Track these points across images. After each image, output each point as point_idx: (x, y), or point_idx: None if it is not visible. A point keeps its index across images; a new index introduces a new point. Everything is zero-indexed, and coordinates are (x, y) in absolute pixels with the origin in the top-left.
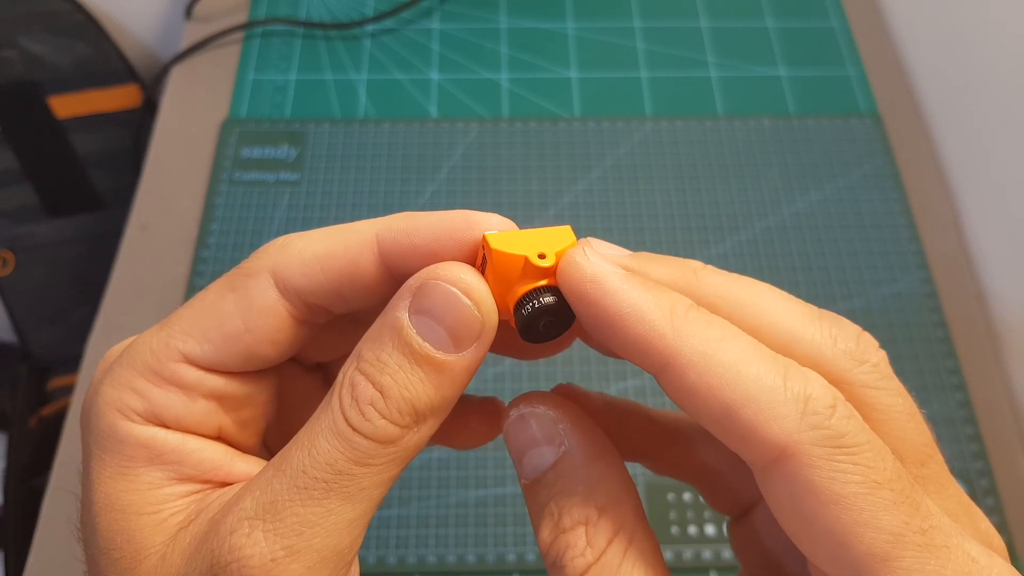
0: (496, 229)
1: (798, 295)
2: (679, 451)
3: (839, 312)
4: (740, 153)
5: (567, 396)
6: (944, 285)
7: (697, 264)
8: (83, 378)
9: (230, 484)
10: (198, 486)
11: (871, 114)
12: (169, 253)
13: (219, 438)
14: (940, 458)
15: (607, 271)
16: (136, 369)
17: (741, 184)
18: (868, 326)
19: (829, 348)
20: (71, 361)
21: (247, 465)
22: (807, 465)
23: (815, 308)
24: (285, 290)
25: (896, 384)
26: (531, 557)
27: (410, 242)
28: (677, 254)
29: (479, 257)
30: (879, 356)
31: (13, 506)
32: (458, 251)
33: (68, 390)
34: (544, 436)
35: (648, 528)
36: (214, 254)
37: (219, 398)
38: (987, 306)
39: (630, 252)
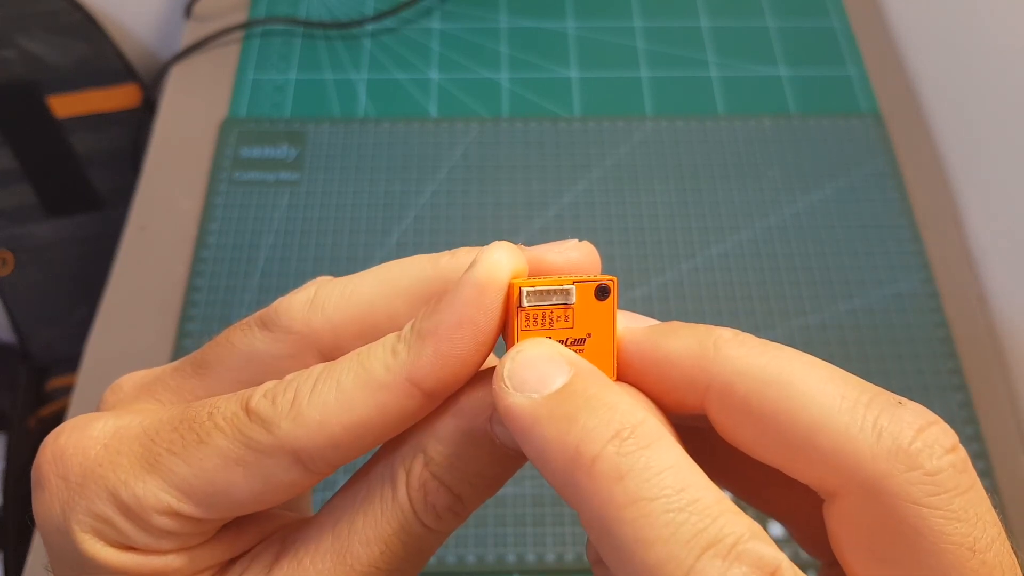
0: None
1: (798, 295)
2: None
3: (839, 312)
4: (740, 153)
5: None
6: (945, 285)
7: (726, 334)
8: (82, 378)
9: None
10: None
11: (872, 114)
12: (168, 253)
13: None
14: None
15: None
16: (116, 507)
17: (741, 184)
18: (868, 326)
19: (867, 445)
20: (70, 361)
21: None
22: None
23: (869, 388)
24: (314, 467)
25: (961, 503)
26: (531, 557)
27: (458, 370)
28: (677, 254)
29: (509, 302)
30: (945, 461)
31: (13, 506)
32: (487, 345)
33: (67, 390)
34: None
35: None
36: (214, 254)
37: (206, 533)
38: (988, 306)
39: (654, 323)
